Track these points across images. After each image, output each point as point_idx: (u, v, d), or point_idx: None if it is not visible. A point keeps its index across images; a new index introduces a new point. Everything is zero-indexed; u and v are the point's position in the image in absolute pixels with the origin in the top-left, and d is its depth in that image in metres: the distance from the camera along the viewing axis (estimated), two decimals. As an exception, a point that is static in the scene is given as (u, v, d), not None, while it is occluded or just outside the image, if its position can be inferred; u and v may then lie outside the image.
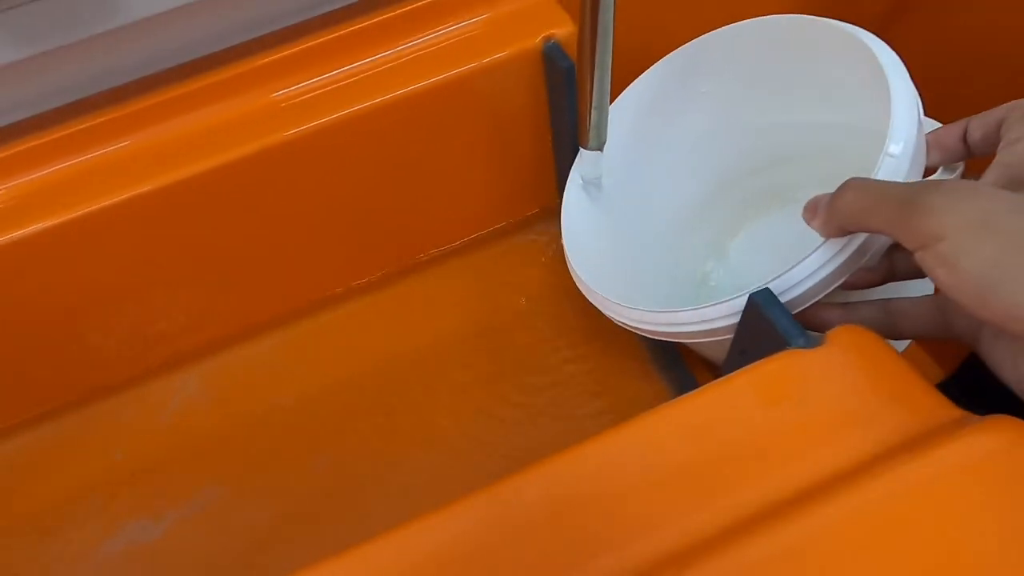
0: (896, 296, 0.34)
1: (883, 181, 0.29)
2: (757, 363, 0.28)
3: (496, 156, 0.49)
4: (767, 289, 0.30)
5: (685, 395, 0.28)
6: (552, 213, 0.56)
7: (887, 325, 0.33)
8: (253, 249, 0.47)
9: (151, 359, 0.50)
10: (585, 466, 0.27)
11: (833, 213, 0.29)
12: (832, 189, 0.30)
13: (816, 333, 0.30)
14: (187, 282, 0.46)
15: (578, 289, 0.41)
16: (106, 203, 0.39)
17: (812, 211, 0.31)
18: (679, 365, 0.48)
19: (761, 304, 0.30)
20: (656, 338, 0.37)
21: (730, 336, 0.33)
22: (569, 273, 0.41)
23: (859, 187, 0.29)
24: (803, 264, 0.31)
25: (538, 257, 0.54)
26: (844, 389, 0.28)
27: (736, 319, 0.32)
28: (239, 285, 0.49)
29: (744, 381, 0.28)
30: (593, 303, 0.40)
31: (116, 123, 0.40)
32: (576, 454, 0.27)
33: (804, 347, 0.29)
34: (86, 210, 0.39)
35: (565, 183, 0.50)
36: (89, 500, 0.47)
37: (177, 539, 0.45)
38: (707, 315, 0.33)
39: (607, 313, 0.39)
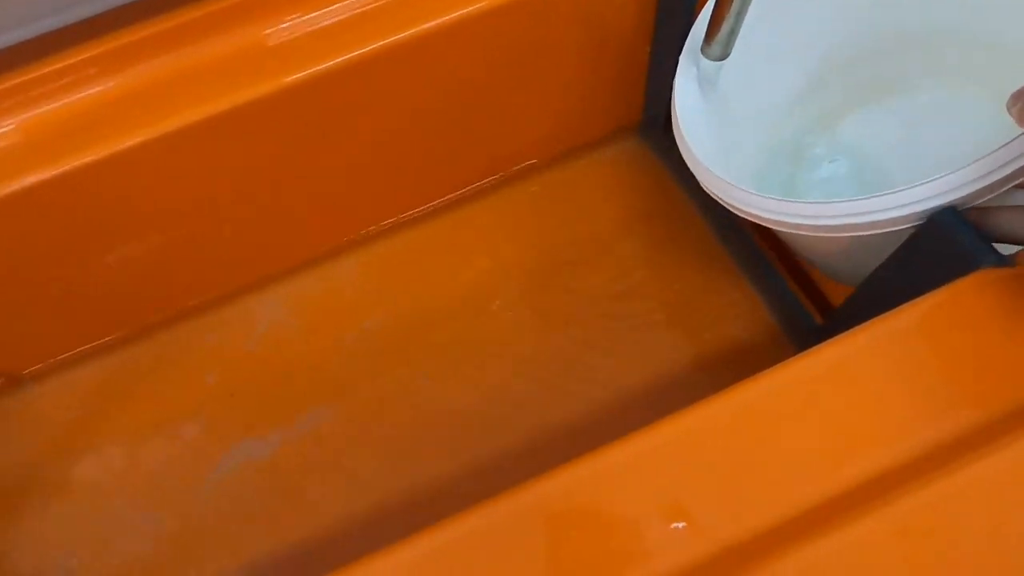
0: None
1: None
2: (948, 286, 0.27)
3: (585, 71, 0.47)
4: (952, 207, 0.29)
5: (868, 323, 0.27)
6: (633, 131, 0.54)
7: None
8: (327, 170, 0.45)
9: (233, 281, 0.49)
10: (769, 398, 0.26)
11: None
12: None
13: (1007, 253, 0.28)
14: (262, 205, 0.45)
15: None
16: (193, 120, 0.37)
17: (1020, 95, 0.27)
18: (778, 281, 0.47)
19: (945, 222, 0.28)
20: (776, 228, 0.33)
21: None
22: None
23: None
24: (987, 159, 0.28)
25: (620, 177, 0.52)
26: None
27: (895, 213, 0.29)
28: (311, 209, 0.47)
29: (934, 304, 0.27)
30: (717, 193, 0.35)
31: (187, 29, 0.38)
32: (749, 388, 0.26)
33: (996, 265, 0.27)
34: (179, 124, 0.37)
35: (654, 98, 0.47)
36: (193, 420, 0.47)
37: (290, 457, 0.45)
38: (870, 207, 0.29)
39: (738, 205, 0.34)
